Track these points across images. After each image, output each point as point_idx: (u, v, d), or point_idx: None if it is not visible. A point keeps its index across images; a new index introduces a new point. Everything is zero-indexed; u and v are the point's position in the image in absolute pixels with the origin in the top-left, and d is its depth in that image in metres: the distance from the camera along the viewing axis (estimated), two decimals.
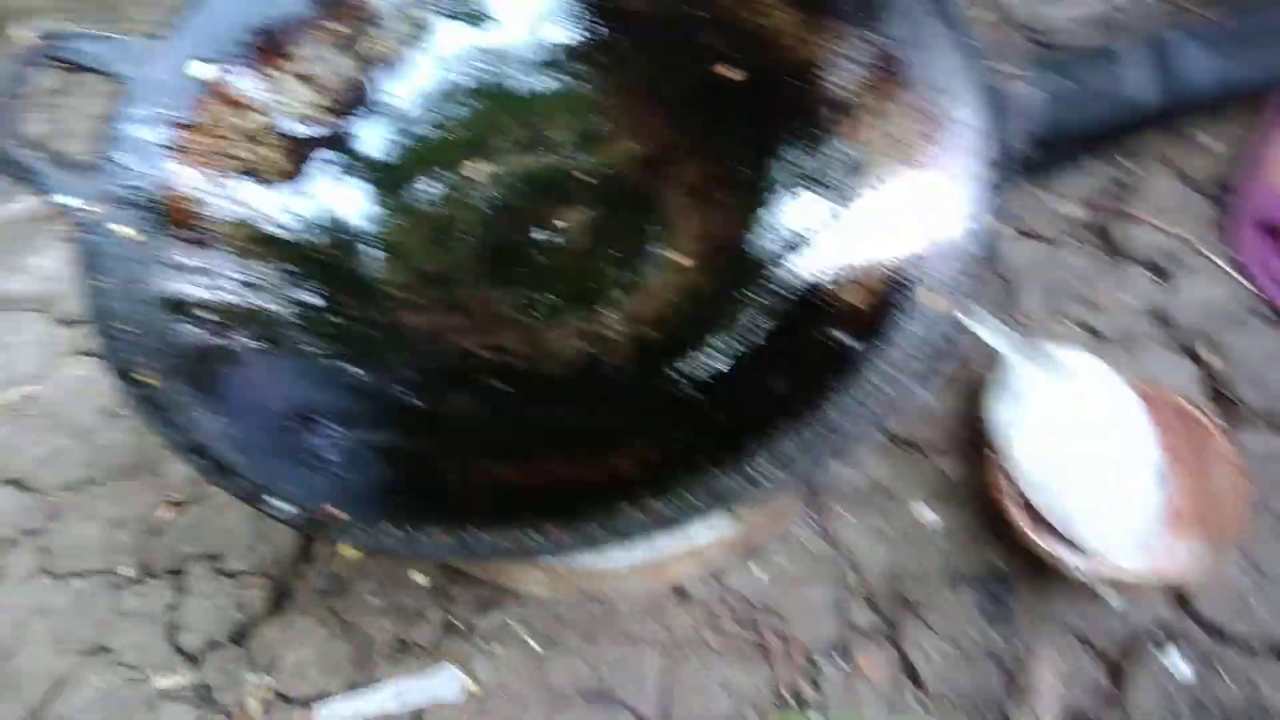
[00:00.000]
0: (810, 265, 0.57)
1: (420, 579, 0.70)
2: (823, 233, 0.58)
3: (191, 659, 0.68)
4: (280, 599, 0.70)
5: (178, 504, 0.74)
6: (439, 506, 0.48)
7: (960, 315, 0.49)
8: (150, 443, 0.75)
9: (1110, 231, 0.81)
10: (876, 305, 0.51)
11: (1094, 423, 0.65)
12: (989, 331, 0.64)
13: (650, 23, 0.72)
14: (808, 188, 0.61)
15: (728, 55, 0.70)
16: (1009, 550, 0.67)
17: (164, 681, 0.67)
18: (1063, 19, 0.95)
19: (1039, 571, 0.64)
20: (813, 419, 0.47)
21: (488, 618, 0.67)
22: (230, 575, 0.71)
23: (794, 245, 0.59)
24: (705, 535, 0.66)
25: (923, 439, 0.73)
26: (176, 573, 0.72)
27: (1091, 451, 0.64)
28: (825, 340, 0.52)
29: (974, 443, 0.70)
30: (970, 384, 0.73)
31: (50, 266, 0.87)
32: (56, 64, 0.59)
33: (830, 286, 0.55)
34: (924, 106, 0.59)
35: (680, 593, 0.68)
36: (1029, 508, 0.64)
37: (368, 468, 0.52)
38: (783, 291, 0.57)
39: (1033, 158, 0.55)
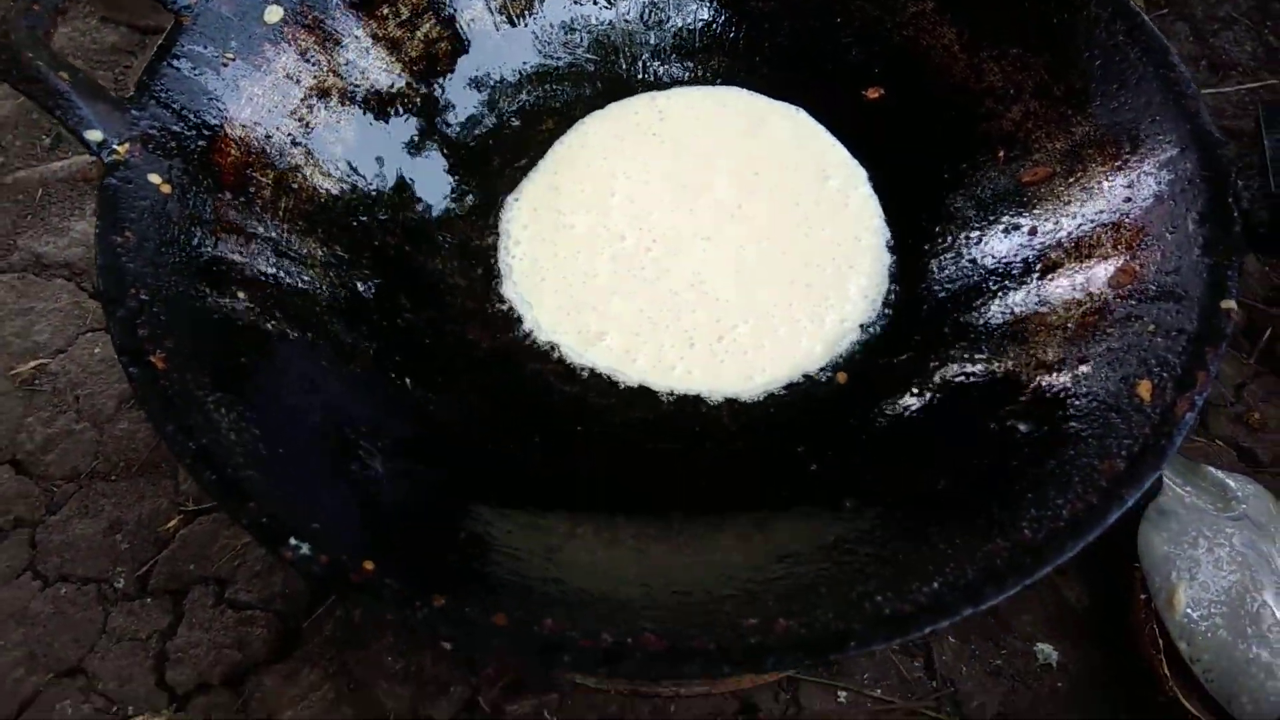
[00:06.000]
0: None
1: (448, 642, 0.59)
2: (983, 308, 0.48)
3: (177, 698, 0.59)
4: (286, 642, 0.61)
5: (189, 514, 0.65)
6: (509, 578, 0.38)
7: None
8: None
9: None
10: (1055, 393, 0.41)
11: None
12: None
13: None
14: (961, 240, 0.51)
15: (876, 74, 0.61)
16: (1141, 705, 0.56)
17: None
18: None
19: None
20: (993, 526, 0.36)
21: (520, 703, 0.57)
22: (234, 606, 0.61)
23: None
24: None
25: None
26: (175, 593, 0.63)
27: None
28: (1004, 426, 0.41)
29: (1111, 571, 0.59)
30: None
31: (89, 232, 0.79)
32: None
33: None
34: (1114, 148, 0.49)
35: (749, 708, 0.58)
36: (1180, 663, 0.53)
37: (429, 515, 0.41)
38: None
39: (1265, 219, 0.43)
